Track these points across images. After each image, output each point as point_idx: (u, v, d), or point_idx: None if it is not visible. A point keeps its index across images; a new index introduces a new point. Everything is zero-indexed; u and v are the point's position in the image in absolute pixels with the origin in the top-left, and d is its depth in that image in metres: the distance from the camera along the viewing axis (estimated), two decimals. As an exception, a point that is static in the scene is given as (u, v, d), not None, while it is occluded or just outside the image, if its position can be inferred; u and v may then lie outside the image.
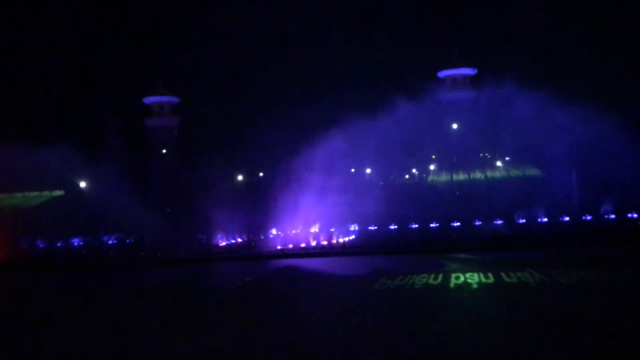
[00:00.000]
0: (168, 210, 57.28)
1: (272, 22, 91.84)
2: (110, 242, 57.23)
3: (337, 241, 51.29)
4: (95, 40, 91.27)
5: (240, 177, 69.26)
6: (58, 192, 68.91)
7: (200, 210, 52.07)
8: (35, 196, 69.42)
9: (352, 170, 66.49)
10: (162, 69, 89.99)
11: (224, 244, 52.84)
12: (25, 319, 19.45)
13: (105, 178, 54.45)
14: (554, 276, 21.87)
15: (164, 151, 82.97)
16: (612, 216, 51.66)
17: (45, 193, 69.88)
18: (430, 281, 22.39)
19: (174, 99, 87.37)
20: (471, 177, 69.87)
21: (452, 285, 21.04)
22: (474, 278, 22.57)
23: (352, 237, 54.04)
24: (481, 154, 75.22)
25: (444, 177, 70.97)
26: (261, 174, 73.20)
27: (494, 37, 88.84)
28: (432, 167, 73.99)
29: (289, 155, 57.02)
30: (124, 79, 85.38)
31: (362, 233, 54.47)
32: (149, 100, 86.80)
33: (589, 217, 52.38)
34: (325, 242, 50.44)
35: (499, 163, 73.00)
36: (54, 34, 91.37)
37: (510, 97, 55.17)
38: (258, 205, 55.21)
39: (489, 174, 70.25)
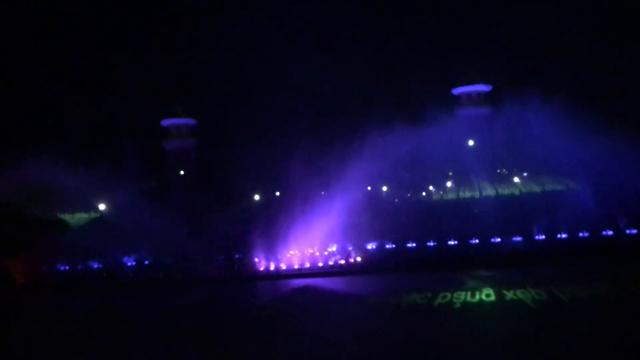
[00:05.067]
0: (186, 231, 57.62)
1: (288, 43, 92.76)
2: (129, 263, 57.56)
3: (355, 259, 51.15)
4: (114, 63, 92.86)
5: (257, 197, 69.55)
6: (79, 215, 69.63)
7: (219, 230, 52.28)
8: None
9: (369, 188, 66.44)
10: (179, 92, 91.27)
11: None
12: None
13: (124, 200, 54.99)
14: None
15: (182, 172, 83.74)
16: (634, 231, 50.91)
17: (67, 216, 70.63)
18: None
19: (191, 121, 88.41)
20: (488, 193, 69.43)
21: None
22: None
23: (368, 254, 53.83)
24: (498, 170, 74.78)
25: (461, 194, 70.61)
26: (277, 194, 73.42)
27: (508, 53, 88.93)
28: (448, 184, 73.72)
29: (305, 174, 57.23)
30: (142, 101, 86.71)
31: (380, 251, 54.23)
32: (166, 122, 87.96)
33: (609, 232, 51.65)
34: (342, 261, 50.36)
35: (516, 179, 72.53)
36: (74, 58, 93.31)
37: (525, 113, 54.98)
38: (274, 224, 55.33)
39: (507, 190, 69.75)
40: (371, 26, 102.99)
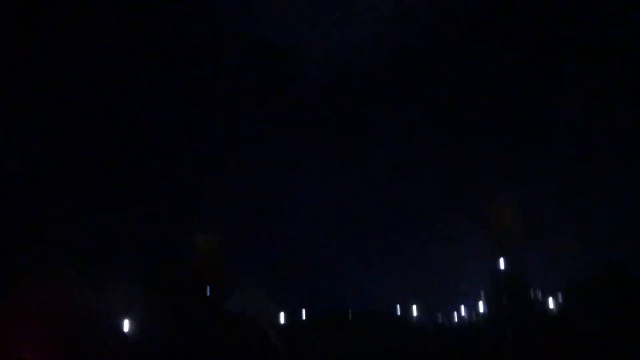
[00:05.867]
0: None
1: (320, 161, 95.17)
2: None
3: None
4: (142, 182, 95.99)
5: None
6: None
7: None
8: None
9: (397, 307, 65.37)
10: (205, 210, 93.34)
11: None
12: None
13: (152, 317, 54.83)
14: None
15: (208, 287, 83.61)
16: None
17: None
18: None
19: (216, 237, 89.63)
20: (523, 315, 67.55)
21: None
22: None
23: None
24: (531, 289, 73.18)
25: (493, 316, 68.80)
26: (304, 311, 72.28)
27: (539, 173, 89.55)
28: (480, 305, 71.99)
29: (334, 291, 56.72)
30: (171, 219, 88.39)
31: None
32: (193, 238, 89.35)
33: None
34: None
35: (551, 301, 70.47)
36: (112, 167, 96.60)
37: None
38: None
39: (544, 313, 67.66)
40: (398, 147, 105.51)
